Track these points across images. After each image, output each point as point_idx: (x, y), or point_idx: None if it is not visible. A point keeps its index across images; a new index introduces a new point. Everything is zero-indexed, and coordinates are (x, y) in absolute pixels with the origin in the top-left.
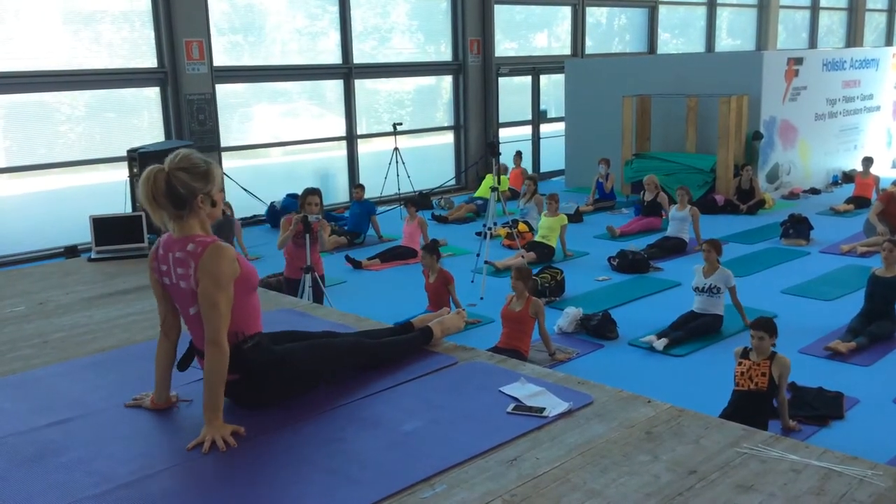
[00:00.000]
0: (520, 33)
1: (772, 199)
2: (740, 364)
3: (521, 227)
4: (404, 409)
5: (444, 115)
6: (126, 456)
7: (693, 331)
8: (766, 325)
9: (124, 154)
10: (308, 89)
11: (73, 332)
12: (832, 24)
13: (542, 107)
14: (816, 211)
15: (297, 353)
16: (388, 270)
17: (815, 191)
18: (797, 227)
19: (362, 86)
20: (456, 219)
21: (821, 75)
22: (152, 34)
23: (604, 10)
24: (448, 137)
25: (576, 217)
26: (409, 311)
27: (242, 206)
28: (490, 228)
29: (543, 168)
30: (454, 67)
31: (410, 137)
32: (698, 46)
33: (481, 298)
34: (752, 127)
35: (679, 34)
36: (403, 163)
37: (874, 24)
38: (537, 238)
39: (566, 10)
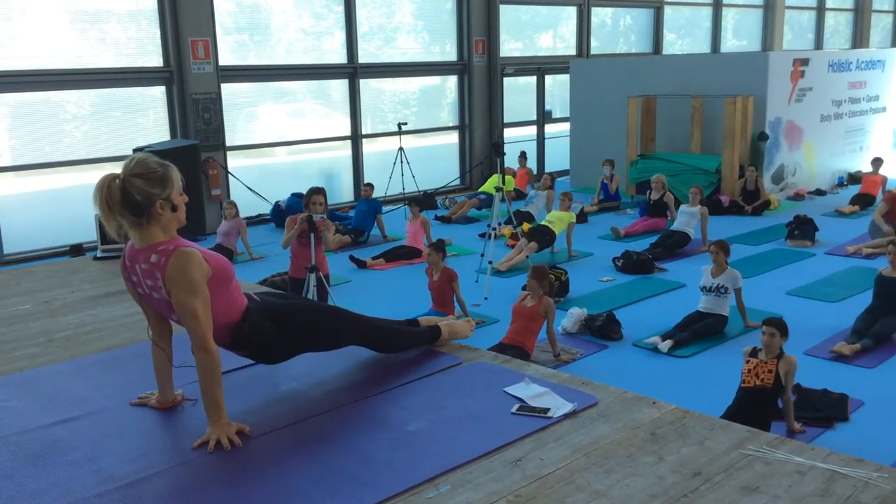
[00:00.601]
0: (525, 33)
1: (777, 200)
2: (748, 362)
3: (526, 226)
4: (409, 409)
5: (448, 115)
6: (131, 455)
7: (698, 332)
8: (777, 323)
9: (130, 153)
10: (313, 89)
11: (78, 330)
12: (838, 25)
13: (547, 107)
14: (822, 212)
15: (301, 314)
16: (392, 270)
17: (820, 192)
18: (802, 229)
19: (367, 85)
20: (459, 217)
21: (827, 76)
22: (158, 33)
23: (609, 10)
24: (453, 137)
25: (580, 218)
26: (414, 311)
27: (247, 205)
28: (494, 229)
29: (548, 168)
30: (459, 67)
31: (415, 137)
32: (704, 47)
33: (485, 298)
34: (757, 128)
35: (684, 35)
36: (408, 162)
37: (880, 25)
38: (542, 223)
39: (571, 11)
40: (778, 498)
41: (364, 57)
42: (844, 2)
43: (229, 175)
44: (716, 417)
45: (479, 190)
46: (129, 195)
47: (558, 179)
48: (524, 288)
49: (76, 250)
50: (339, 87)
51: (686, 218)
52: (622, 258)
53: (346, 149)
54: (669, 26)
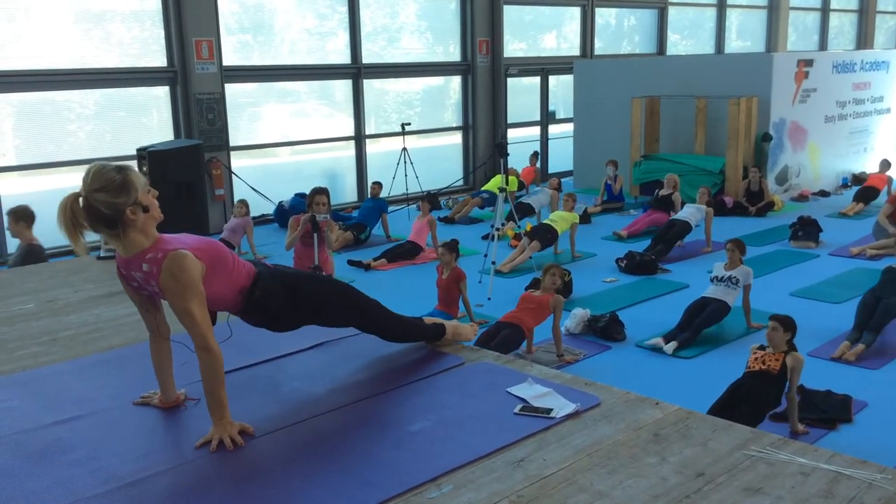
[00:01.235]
0: (529, 34)
1: (781, 201)
2: (755, 353)
3: (529, 227)
4: (411, 409)
5: (452, 116)
6: (133, 454)
7: (702, 325)
8: (782, 318)
9: (134, 153)
10: (317, 89)
11: (81, 329)
12: (842, 26)
13: (551, 108)
14: (825, 213)
15: (312, 282)
16: (396, 270)
17: (824, 193)
18: (806, 230)
19: (371, 86)
20: (462, 218)
21: (831, 77)
22: (162, 33)
23: (613, 11)
24: (456, 138)
25: (584, 218)
26: (418, 311)
27: (251, 205)
28: (498, 229)
29: (552, 169)
30: (463, 68)
31: (419, 138)
32: (708, 48)
33: (489, 299)
34: (761, 129)
35: (688, 35)
36: (412, 163)
37: (885, 26)
38: (545, 222)
39: (575, 11)
40: (781, 499)
41: (368, 57)
42: (849, 3)
43: (233, 175)
44: (719, 419)
45: (482, 189)
46: (95, 211)
47: (561, 180)
48: (527, 288)
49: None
50: (343, 87)
51: (691, 210)
52: (625, 259)
53: (349, 149)
54: (673, 27)
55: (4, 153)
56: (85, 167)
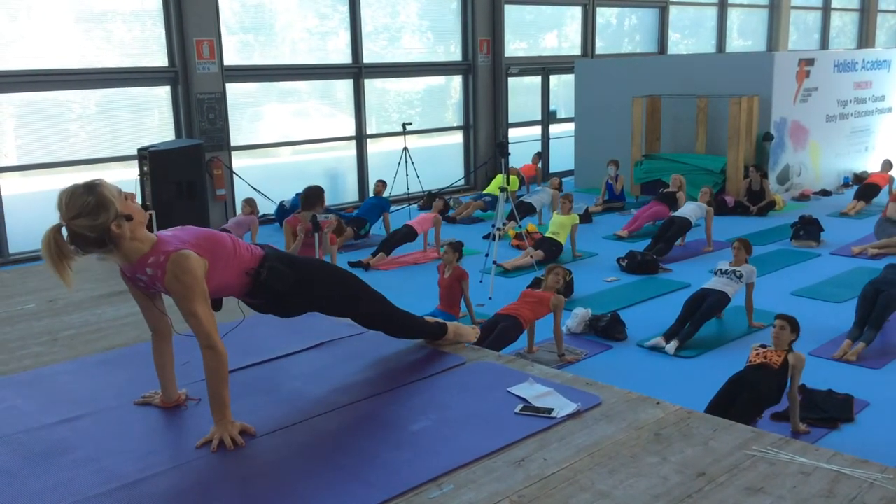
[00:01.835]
0: (530, 33)
1: (782, 200)
2: (756, 350)
3: (530, 227)
4: (412, 409)
5: (453, 115)
6: (134, 454)
7: (702, 318)
8: (790, 318)
9: (135, 153)
10: (318, 89)
11: (82, 329)
12: (844, 25)
13: (552, 107)
14: (827, 212)
15: (320, 268)
16: (397, 270)
17: (825, 192)
18: (808, 229)
19: (372, 85)
20: (464, 218)
21: (832, 76)
22: (163, 33)
23: (614, 10)
24: (457, 137)
25: (585, 217)
26: (419, 311)
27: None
28: (499, 229)
29: (553, 168)
30: (464, 67)
31: (420, 137)
32: (709, 47)
33: (490, 298)
34: (762, 128)
35: (689, 35)
36: (413, 163)
37: (886, 25)
38: (547, 234)
39: (576, 11)
40: (782, 499)
41: (369, 57)
42: (850, 2)
43: (234, 175)
44: (720, 418)
45: (485, 192)
46: (81, 237)
47: (562, 180)
48: (529, 287)
49: None
50: (344, 86)
51: (692, 207)
52: (626, 258)
53: (350, 149)
54: (674, 26)
55: (6, 153)
56: (87, 167)
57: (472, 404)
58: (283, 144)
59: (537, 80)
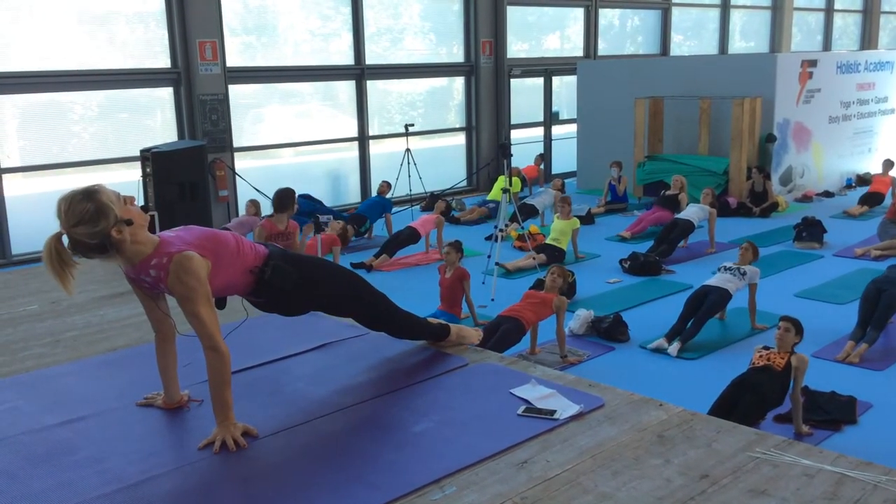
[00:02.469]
0: (532, 35)
1: (785, 201)
2: (759, 352)
3: (533, 228)
4: (415, 410)
5: (455, 117)
6: (137, 455)
7: (704, 316)
8: (794, 320)
9: (137, 154)
10: (320, 90)
11: (85, 330)
12: (846, 27)
13: (555, 108)
14: (830, 214)
15: (324, 267)
16: (399, 271)
17: (828, 194)
18: (810, 230)
19: (374, 87)
20: (468, 220)
21: (835, 78)
22: (166, 35)
23: (616, 11)
24: (460, 139)
25: (587, 219)
26: (421, 312)
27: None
28: (501, 230)
29: (555, 170)
30: (466, 69)
31: (422, 139)
32: (711, 48)
33: (492, 300)
34: (765, 129)
35: (692, 36)
36: (415, 164)
37: (889, 26)
38: (548, 240)
39: (578, 12)
40: (786, 501)
41: (371, 58)
42: (853, 3)
43: (236, 176)
44: (723, 420)
45: (488, 199)
46: (82, 244)
47: (565, 181)
48: (531, 289)
49: None
50: (347, 88)
51: (695, 209)
52: (629, 260)
53: (353, 150)
54: (677, 27)
55: (9, 154)
56: (89, 168)
57: (474, 406)
58: (286, 146)
59: (540, 81)
